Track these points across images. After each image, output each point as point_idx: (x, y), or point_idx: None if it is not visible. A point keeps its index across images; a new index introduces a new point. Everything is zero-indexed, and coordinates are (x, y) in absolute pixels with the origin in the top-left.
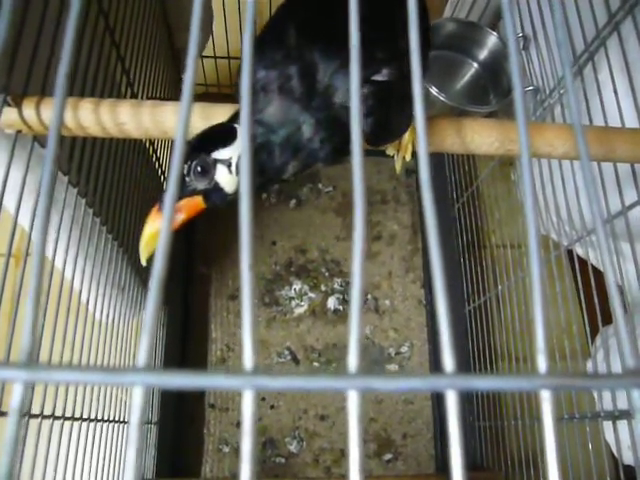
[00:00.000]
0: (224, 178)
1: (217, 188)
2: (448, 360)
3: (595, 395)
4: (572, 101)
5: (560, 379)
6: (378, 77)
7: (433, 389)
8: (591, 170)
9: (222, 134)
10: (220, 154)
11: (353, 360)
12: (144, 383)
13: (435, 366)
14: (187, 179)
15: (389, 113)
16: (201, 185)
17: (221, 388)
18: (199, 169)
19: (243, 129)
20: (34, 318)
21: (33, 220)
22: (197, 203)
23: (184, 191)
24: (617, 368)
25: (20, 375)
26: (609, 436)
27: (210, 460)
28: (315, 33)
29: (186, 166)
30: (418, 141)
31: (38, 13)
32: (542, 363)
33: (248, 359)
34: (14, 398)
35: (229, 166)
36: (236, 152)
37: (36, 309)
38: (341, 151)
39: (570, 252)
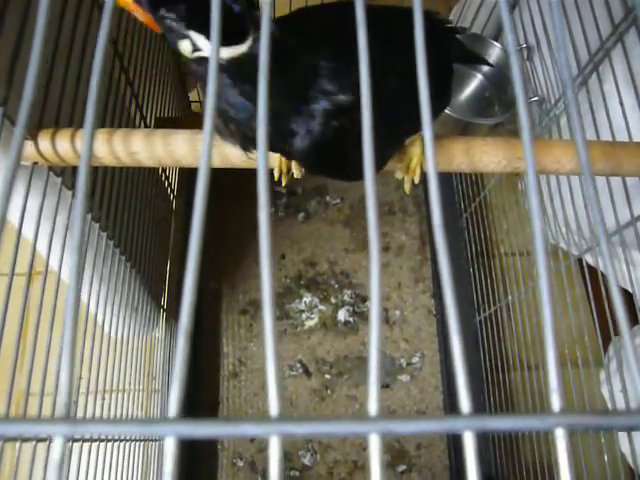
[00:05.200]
0: (184, 47)
1: (174, 40)
2: (464, 402)
3: (609, 405)
4: (577, 131)
5: (574, 418)
6: (341, 96)
7: (450, 431)
8: (597, 195)
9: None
10: (201, 41)
11: (373, 405)
12: (176, 434)
13: (447, 377)
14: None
15: (338, 143)
16: (171, 31)
17: (249, 436)
18: (174, 24)
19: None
20: (70, 373)
21: (50, 245)
22: (149, 21)
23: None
24: (630, 379)
25: (60, 430)
26: (624, 447)
27: (225, 475)
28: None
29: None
30: (426, 163)
31: (50, 50)
32: (556, 402)
33: (274, 406)
34: (55, 452)
35: (194, 50)
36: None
37: (72, 364)
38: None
39: (580, 261)
